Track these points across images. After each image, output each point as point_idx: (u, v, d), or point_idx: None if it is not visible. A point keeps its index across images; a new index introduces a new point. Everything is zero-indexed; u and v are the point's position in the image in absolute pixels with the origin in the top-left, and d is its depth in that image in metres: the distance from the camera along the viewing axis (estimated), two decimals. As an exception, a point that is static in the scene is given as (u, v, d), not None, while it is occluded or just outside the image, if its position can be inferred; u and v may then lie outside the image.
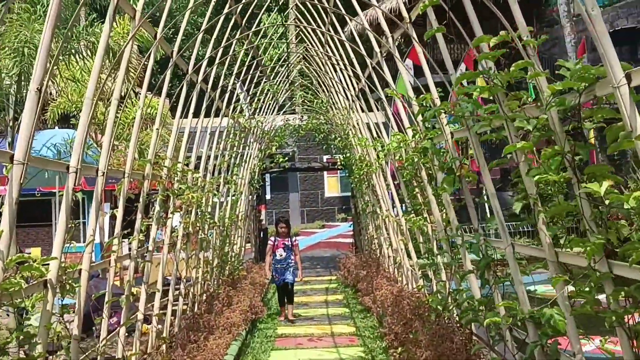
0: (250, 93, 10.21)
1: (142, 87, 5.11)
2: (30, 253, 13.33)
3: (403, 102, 7.29)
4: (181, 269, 7.34)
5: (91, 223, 4.35)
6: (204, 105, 7.63)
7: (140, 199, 5.09)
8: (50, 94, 10.79)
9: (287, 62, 11.60)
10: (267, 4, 11.66)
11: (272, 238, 9.39)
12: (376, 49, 7.62)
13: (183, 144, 6.30)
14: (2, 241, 2.65)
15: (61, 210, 3.45)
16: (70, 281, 3.61)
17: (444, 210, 5.38)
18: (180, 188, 5.98)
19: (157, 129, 5.13)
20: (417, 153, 5.15)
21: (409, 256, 8.10)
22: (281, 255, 9.12)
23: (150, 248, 5.59)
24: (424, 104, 4.55)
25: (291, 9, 19.75)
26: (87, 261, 3.92)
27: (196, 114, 7.14)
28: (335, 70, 10.57)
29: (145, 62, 5.35)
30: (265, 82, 10.48)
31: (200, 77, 7.01)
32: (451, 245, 5.42)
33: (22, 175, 2.67)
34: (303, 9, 10.83)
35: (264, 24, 23.53)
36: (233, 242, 11.09)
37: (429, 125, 5.07)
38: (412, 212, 6.66)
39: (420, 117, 5.14)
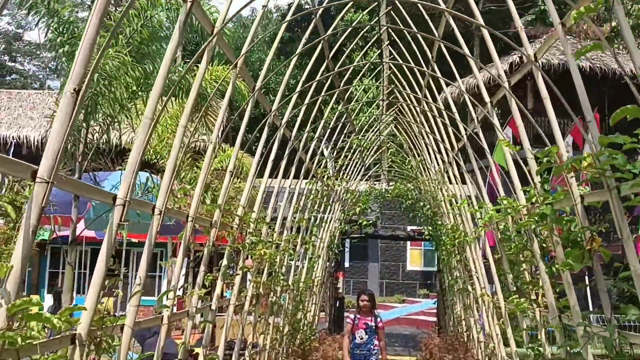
0: (336, 149, 9.68)
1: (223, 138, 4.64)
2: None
3: (499, 171, 6.50)
4: (248, 333, 6.66)
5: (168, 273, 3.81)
6: (294, 166, 7.50)
7: (205, 250, 4.50)
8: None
9: (378, 121, 11.04)
10: (363, 70, 11.36)
11: (351, 315, 7.45)
12: (473, 114, 7.00)
13: (259, 194, 5.73)
14: (10, 280, 2.06)
15: (101, 252, 2.88)
16: (107, 338, 3.00)
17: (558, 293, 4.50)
18: (252, 242, 5.37)
19: (230, 170, 4.58)
20: (532, 220, 4.27)
21: (505, 344, 7.00)
22: (362, 339, 7.28)
23: (213, 306, 4.96)
24: (548, 159, 3.72)
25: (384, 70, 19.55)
26: (132, 315, 3.30)
27: (284, 174, 7.13)
28: (428, 137, 9.90)
29: (230, 114, 4.91)
30: (354, 136, 9.93)
31: (293, 135, 6.62)
32: (567, 337, 4.44)
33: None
34: (397, 73, 10.39)
35: (358, 85, 23.46)
36: (307, 309, 10.30)
37: (548, 188, 4.21)
38: (515, 292, 5.67)
39: (537, 178, 4.30)
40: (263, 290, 6.61)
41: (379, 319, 7.41)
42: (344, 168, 10.49)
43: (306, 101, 7.25)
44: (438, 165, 9.51)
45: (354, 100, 11.72)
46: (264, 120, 5.93)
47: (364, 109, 16.32)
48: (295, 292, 9.01)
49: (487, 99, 6.78)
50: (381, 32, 9.13)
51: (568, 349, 4.42)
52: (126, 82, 6.46)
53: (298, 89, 6.95)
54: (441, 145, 9.19)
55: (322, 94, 8.21)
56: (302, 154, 8.19)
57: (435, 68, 8.75)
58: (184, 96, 7.77)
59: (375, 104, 12.80)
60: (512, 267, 5.52)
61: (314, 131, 8.62)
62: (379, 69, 18.36)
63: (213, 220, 4.53)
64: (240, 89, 9.78)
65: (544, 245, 4.68)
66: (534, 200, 4.22)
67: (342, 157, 9.82)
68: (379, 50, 14.32)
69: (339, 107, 10.59)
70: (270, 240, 6.38)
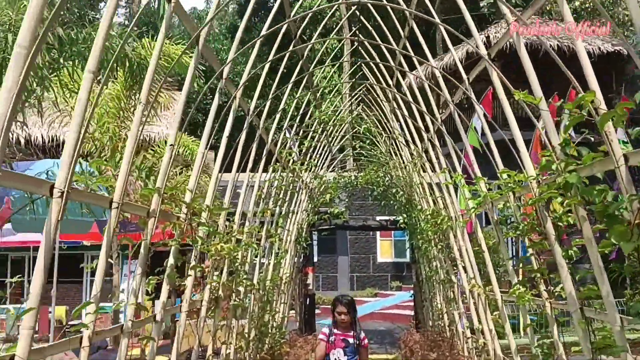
0: (300, 131, 8.76)
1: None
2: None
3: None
4: (208, 341, 5.73)
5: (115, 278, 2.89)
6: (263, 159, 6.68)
7: (142, 248, 3.53)
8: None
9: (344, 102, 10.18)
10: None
11: (325, 329, 5.63)
12: (447, 96, 6.27)
13: (213, 179, 4.78)
14: None
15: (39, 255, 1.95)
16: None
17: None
18: (206, 235, 4.41)
19: (171, 144, 3.62)
20: (552, 192, 3.44)
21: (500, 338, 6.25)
22: None
23: (157, 317, 4.00)
24: (579, 109, 2.88)
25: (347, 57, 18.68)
26: (25, 342, 2.33)
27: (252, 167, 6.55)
28: (402, 118, 9.07)
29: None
30: (315, 110, 9.02)
31: (261, 124, 5.69)
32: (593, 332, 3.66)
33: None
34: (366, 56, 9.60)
35: (319, 75, 22.56)
36: (275, 310, 9.37)
37: (573, 152, 3.39)
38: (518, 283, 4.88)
39: (556, 140, 3.47)
40: (223, 292, 5.67)
41: (362, 335, 5.56)
42: (310, 151, 9.57)
43: (274, 87, 6.41)
44: (415, 145, 8.69)
45: (319, 68, 10.89)
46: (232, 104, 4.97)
47: (330, 97, 15.42)
48: (261, 292, 8.08)
49: (464, 75, 6.10)
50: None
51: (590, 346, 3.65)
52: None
53: (264, 73, 6.28)
54: (412, 128, 8.43)
55: (290, 79, 7.37)
56: (271, 146, 7.33)
57: (407, 44, 8.01)
58: (125, 72, 6.74)
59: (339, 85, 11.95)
60: (493, 257, 4.71)
61: (280, 120, 7.86)
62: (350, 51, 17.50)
63: (151, 208, 3.56)
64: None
65: (560, 224, 3.88)
66: (553, 167, 3.38)
67: (307, 138, 8.90)
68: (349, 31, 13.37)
69: (307, 94, 9.75)
70: (229, 232, 5.42)
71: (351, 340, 5.48)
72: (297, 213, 10.67)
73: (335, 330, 5.55)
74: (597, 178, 3.18)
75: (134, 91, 7.67)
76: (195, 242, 4.21)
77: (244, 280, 6.57)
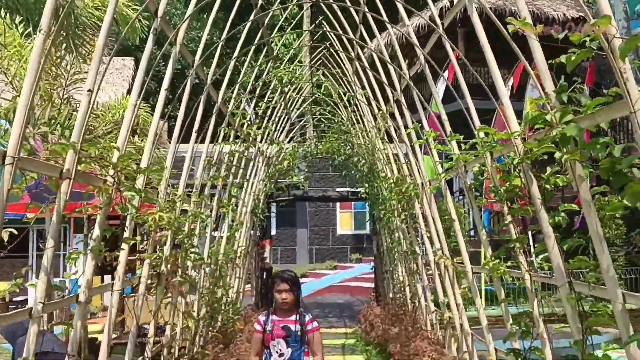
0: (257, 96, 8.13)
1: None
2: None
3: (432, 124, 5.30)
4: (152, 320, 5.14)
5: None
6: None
7: (54, 215, 2.90)
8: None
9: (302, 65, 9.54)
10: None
11: (262, 317, 4.46)
12: (404, 68, 5.73)
13: (151, 134, 4.13)
14: None
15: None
16: None
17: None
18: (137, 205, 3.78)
19: (89, 90, 2.96)
20: (547, 146, 2.96)
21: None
22: (280, 355, 4.32)
23: (81, 298, 3.37)
24: (588, 41, 2.36)
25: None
26: None
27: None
28: (367, 84, 8.52)
29: None
30: (272, 68, 8.38)
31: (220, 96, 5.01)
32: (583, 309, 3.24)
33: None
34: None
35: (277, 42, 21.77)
36: (229, 285, 8.81)
37: (565, 99, 2.89)
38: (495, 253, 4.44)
39: (550, 86, 2.97)
40: (166, 268, 5.06)
41: (307, 318, 4.37)
42: (266, 115, 8.94)
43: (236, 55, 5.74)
44: (379, 108, 8.16)
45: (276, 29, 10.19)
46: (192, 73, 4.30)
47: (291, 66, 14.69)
48: (213, 266, 7.49)
49: (419, 50, 5.69)
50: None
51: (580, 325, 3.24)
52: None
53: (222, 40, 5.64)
54: (377, 91, 7.89)
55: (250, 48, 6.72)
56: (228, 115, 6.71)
57: (368, 14, 7.47)
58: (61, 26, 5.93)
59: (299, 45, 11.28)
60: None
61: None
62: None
63: (65, 167, 2.91)
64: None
65: (547, 187, 3.41)
66: (548, 117, 2.88)
67: (264, 99, 8.26)
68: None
69: (267, 63, 9.12)
70: (170, 201, 4.79)
71: (293, 327, 4.29)
72: (252, 183, 10.07)
73: (273, 317, 4.36)
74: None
75: (67, 47, 6.85)
76: (124, 211, 3.57)
77: (192, 254, 5.98)
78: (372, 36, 8.36)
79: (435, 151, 5.45)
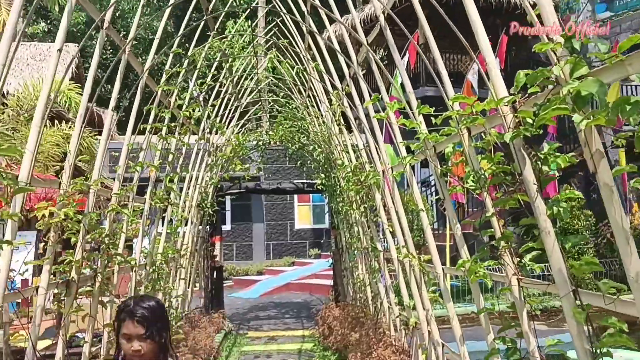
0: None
1: None
2: None
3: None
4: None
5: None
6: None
7: None
8: None
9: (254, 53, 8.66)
10: None
11: None
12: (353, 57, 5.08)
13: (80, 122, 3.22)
14: None
15: None
16: None
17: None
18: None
19: None
20: (559, 107, 2.20)
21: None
22: None
23: None
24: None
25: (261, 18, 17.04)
26: None
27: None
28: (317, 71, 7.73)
29: None
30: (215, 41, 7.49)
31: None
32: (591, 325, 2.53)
33: None
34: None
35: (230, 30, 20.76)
36: (169, 288, 7.89)
37: (578, 46, 2.13)
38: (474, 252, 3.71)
39: (556, 28, 2.21)
40: (76, 274, 4.16)
41: None
42: (212, 96, 8.03)
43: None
44: (335, 87, 7.36)
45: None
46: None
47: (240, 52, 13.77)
48: (147, 268, 6.59)
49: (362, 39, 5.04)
50: None
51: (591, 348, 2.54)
52: None
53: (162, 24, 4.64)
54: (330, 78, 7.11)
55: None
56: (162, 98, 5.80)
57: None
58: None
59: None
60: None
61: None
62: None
63: None
64: None
65: (545, 169, 2.67)
66: (556, 71, 2.11)
67: (207, 82, 7.36)
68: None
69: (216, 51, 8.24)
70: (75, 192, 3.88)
71: None
72: (198, 174, 9.14)
73: None
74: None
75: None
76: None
77: (116, 257, 5.08)
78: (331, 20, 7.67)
79: (398, 131, 4.68)
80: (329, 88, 6.98)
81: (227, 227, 18.84)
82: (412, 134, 4.28)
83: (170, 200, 7.13)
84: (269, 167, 18.54)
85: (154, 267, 6.81)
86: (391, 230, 5.99)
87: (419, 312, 5.39)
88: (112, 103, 4.56)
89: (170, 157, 6.69)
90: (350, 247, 9.07)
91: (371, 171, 5.85)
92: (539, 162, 2.66)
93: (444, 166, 3.97)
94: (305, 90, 9.64)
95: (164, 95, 5.96)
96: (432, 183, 15.61)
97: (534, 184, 2.65)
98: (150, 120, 5.72)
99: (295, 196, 19.33)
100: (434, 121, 3.45)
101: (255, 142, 11.14)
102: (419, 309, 5.38)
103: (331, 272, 11.53)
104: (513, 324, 3.39)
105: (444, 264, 5.01)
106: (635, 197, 12.72)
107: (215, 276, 10.85)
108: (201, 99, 7.34)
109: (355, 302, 8.65)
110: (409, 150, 4.41)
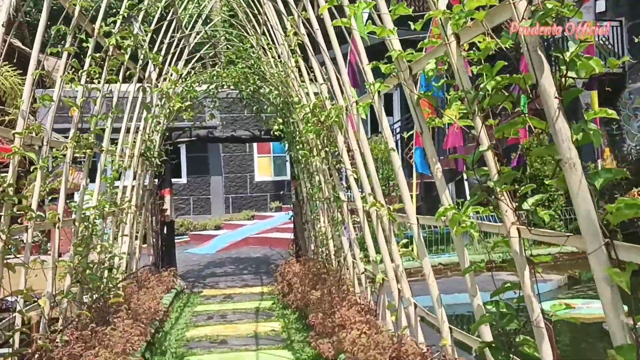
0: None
1: None
2: None
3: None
4: None
5: None
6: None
7: None
8: None
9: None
10: None
11: None
12: None
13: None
14: None
15: None
16: None
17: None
18: None
19: None
20: None
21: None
22: None
23: None
24: None
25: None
26: None
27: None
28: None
29: None
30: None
31: None
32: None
33: None
34: None
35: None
36: (108, 247, 7.05)
37: None
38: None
39: None
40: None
41: None
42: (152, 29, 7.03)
43: None
44: (287, 34, 6.44)
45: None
46: None
47: None
48: (77, 224, 5.73)
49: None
50: None
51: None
52: None
53: None
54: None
55: None
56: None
57: None
58: None
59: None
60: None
61: None
62: None
63: None
64: None
65: (571, 77, 1.92)
66: None
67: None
68: None
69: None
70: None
71: None
72: (140, 120, 8.18)
73: None
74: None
75: None
76: None
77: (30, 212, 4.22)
78: None
79: (364, 52, 3.86)
80: (284, 13, 6.06)
81: (182, 180, 17.90)
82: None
83: (102, 148, 6.21)
84: (226, 116, 17.54)
85: (85, 224, 5.96)
86: (356, 176, 5.25)
87: (387, 268, 4.73)
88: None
89: (99, 96, 5.74)
90: (312, 198, 8.35)
91: (333, 108, 5.04)
92: (562, 67, 1.91)
93: (422, 91, 3.20)
94: (260, 25, 8.68)
95: (83, 18, 4.96)
96: (397, 130, 14.91)
97: (555, 97, 1.90)
98: (68, 46, 4.74)
99: (255, 148, 18.43)
100: (412, 27, 2.64)
101: (206, 87, 10.16)
102: (387, 264, 4.72)
103: (292, 226, 10.84)
104: (508, 284, 2.73)
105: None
106: (606, 142, 12.31)
107: (166, 231, 10.02)
108: (137, 25, 6.32)
109: (317, 257, 7.98)
110: (378, 75, 3.62)
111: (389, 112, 17.19)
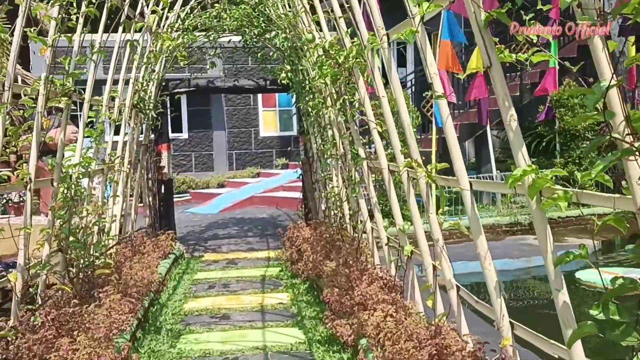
0: None
1: None
2: None
3: None
4: None
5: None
6: None
7: None
8: None
9: None
10: None
11: None
12: None
13: None
14: None
15: None
16: None
17: None
18: None
19: None
20: None
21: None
22: None
23: None
24: None
25: None
26: None
27: None
28: None
29: None
30: None
31: None
32: None
33: None
34: None
35: None
36: (97, 209, 6.26)
37: None
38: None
39: None
40: None
41: None
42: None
43: None
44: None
45: None
46: None
47: None
48: (56, 184, 4.94)
49: None
50: None
51: None
52: None
53: None
54: None
55: None
56: None
57: None
58: None
59: None
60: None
61: None
62: None
63: None
64: None
65: None
66: None
67: None
68: None
69: None
70: None
71: None
72: (129, 66, 7.26)
73: None
74: None
75: None
76: None
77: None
78: None
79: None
80: None
81: (184, 135, 17.04)
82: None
83: (82, 96, 5.34)
84: (229, 67, 16.53)
85: (65, 184, 5.15)
86: (380, 129, 4.39)
87: (419, 239, 3.91)
88: None
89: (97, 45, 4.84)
90: (323, 155, 7.50)
91: (354, 45, 4.13)
92: None
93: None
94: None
95: None
96: (411, 83, 13.93)
97: None
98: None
99: (260, 101, 17.47)
100: None
101: (204, 34, 9.16)
102: (420, 235, 3.90)
103: (300, 184, 10.02)
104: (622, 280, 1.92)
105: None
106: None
107: (163, 190, 9.23)
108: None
109: (330, 221, 7.19)
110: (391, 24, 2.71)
111: (402, 64, 16.14)
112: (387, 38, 3.52)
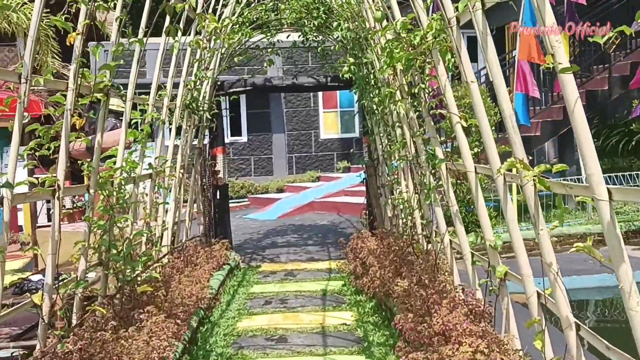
0: None
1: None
2: None
3: None
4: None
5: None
6: None
7: None
8: None
9: None
10: None
11: None
12: None
13: None
14: None
15: None
16: None
17: None
18: None
19: None
20: None
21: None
22: None
23: None
24: None
25: None
26: None
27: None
28: None
29: None
30: None
31: None
32: None
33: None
34: None
35: None
36: (148, 217, 5.75)
37: None
38: None
39: None
40: None
41: None
42: None
43: None
44: None
45: None
46: None
47: None
48: (92, 191, 4.43)
49: None
50: None
51: None
52: None
53: None
54: None
55: None
56: None
57: None
58: None
59: None
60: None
61: None
62: None
63: None
64: None
65: None
66: None
67: None
68: None
69: None
70: None
71: None
72: (179, 62, 6.73)
73: None
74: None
75: None
76: None
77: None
78: None
79: None
80: None
81: (243, 138, 16.61)
82: None
83: (122, 93, 4.79)
84: (289, 67, 16.01)
85: (107, 191, 4.64)
86: (465, 124, 3.60)
87: (521, 265, 3.10)
88: None
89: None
90: (390, 156, 6.74)
91: (435, 21, 3.36)
92: None
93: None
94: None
95: None
96: (485, 78, 12.90)
97: None
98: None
99: (320, 102, 16.83)
100: None
101: (260, 30, 8.57)
102: (522, 260, 3.09)
103: (363, 189, 9.28)
104: None
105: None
106: None
107: (218, 196, 8.69)
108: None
109: (399, 231, 6.41)
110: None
111: (473, 59, 15.10)
112: (481, 4, 2.73)
